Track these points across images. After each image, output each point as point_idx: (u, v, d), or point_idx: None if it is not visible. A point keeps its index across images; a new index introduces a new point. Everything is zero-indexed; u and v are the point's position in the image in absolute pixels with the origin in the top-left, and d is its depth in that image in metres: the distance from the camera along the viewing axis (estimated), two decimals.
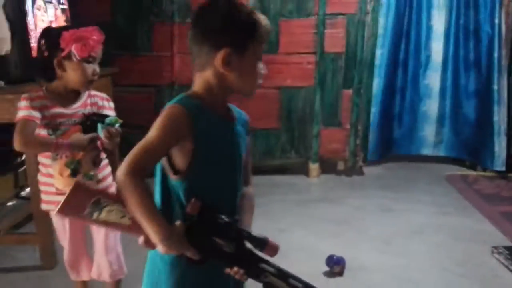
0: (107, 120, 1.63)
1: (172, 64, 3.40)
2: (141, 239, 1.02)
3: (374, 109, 3.81)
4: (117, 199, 1.07)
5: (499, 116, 3.68)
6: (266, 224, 2.83)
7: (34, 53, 2.25)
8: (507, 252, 2.40)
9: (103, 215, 1.09)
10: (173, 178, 1.07)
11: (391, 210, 3.08)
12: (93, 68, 1.66)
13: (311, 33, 3.52)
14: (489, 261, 2.40)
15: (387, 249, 2.53)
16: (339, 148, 3.73)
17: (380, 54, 3.74)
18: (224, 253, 1.03)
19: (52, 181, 1.70)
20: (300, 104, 3.66)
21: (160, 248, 0.99)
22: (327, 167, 3.80)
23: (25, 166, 3.34)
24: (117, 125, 1.63)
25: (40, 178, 1.76)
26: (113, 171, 1.72)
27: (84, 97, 1.72)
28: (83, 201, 1.09)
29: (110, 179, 1.80)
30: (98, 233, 1.79)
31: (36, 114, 1.61)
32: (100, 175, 1.75)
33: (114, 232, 1.77)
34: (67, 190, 1.12)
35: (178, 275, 1.10)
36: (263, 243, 1.05)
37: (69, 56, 1.60)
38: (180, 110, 1.03)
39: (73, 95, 1.70)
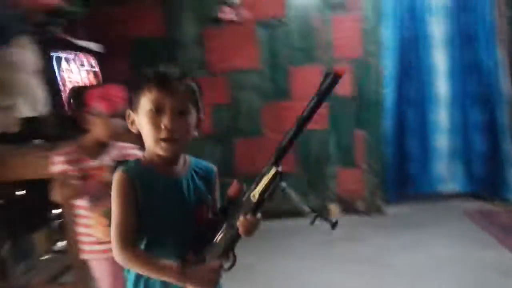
0: None
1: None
2: None
3: (388, 149, 3.89)
4: None
5: (510, 146, 3.74)
6: (293, 264, 2.86)
7: (67, 112, 2.41)
8: None
9: None
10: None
11: (415, 247, 3.08)
12: (118, 122, 1.75)
13: (320, 78, 3.66)
14: None
15: (415, 285, 2.53)
16: (357, 188, 3.79)
17: (387, 95, 3.87)
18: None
19: (91, 231, 1.79)
20: (316, 147, 3.77)
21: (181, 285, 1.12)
22: (347, 207, 3.83)
23: (59, 220, 3.45)
24: None
25: (79, 229, 1.84)
26: None
27: (112, 149, 1.83)
28: None
29: None
30: None
31: (69, 167, 1.72)
32: None
33: None
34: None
35: None
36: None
37: (94, 112, 1.74)
38: (121, 176, 1.12)
39: (101, 149, 1.81)
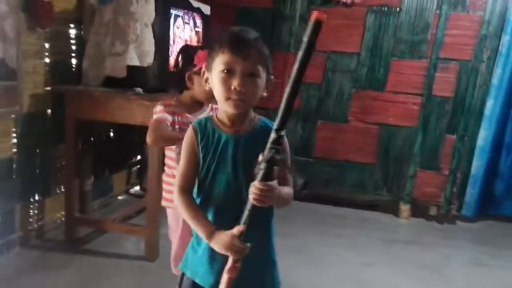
0: None
1: (281, 90, 3.57)
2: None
3: (478, 163, 3.64)
4: None
5: None
6: (352, 256, 2.88)
7: (171, 67, 2.57)
8: None
9: None
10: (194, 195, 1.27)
11: (483, 264, 2.96)
12: None
13: (420, 75, 3.54)
14: None
15: None
16: (434, 192, 3.67)
17: (491, 105, 3.62)
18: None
19: (174, 181, 1.93)
20: (400, 143, 3.67)
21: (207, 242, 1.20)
22: (418, 211, 3.74)
23: (138, 166, 3.73)
24: None
25: (165, 178, 2.00)
26: None
27: (208, 109, 1.95)
28: None
29: None
30: None
31: (168, 117, 1.86)
32: None
33: None
34: None
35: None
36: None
37: (199, 72, 1.81)
38: (189, 129, 1.26)
39: (198, 106, 1.94)
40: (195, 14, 2.96)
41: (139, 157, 3.69)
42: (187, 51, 1.97)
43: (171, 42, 2.62)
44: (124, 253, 2.69)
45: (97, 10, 2.63)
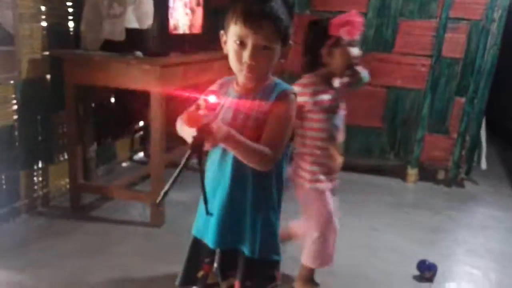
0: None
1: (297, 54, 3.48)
2: None
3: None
4: None
5: None
6: (359, 221, 2.86)
7: (171, 29, 2.49)
8: None
9: None
10: None
11: (491, 227, 2.95)
12: (356, 51, 1.77)
13: (429, 35, 3.43)
14: None
15: (480, 265, 2.44)
16: (442, 156, 3.61)
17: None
18: None
19: None
20: (408, 106, 3.59)
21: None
22: (426, 175, 3.70)
23: (141, 132, 3.70)
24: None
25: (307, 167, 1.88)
26: None
27: (337, 83, 1.84)
28: None
29: None
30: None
31: (308, 99, 1.74)
32: None
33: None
34: None
35: None
36: None
37: (336, 43, 1.73)
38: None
39: (330, 82, 1.82)
40: None
41: (142, 123, 3.65)
42: (316, 26, 1.81)
43: (170, 2, 2.53)
44: (130, 219, 2.69)
45: None
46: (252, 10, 1.11)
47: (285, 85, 1.24)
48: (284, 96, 1.20)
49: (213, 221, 1.27)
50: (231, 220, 1.26)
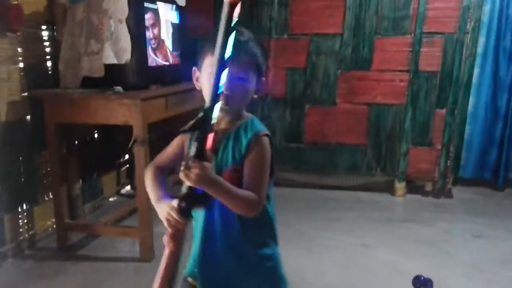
0: None
1: (266, 77, 3.51)
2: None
3: (469, 127, 3.75)
4: None
5: None
6: (350, 239, 2.85)
7: (150, 62, 2.50)
8: None
9: None
10: None
11: (481, 236, 2.95)
12: None
13: (406, 51, 3.49)
14: None
15: (476, 275, 2.44)
16: (427, 168, 3.64)
17: (478, 74, 3.61)
18: None
19: None
20: (390, 121, 3.63)
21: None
22: (414, 187, 3.72)
23: (127, 166, 3.66)
24: None
25: None
26: None
27: None
28: None
29: None
30: None
31: None
32: None
33: None
34: None
35: None
36: None
37: None
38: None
39: None
40: (169, 6, 2.89)
41: (127, 156, 3.62)
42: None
43: (147, 36, 2.55)
44: (120, 255, 2.64)
45: (69, 9, 2.54)
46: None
47: (258, 126, 1.21)
48: (256, 141, 1.17)
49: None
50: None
